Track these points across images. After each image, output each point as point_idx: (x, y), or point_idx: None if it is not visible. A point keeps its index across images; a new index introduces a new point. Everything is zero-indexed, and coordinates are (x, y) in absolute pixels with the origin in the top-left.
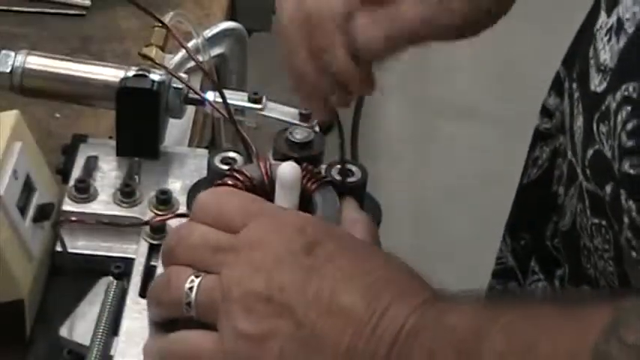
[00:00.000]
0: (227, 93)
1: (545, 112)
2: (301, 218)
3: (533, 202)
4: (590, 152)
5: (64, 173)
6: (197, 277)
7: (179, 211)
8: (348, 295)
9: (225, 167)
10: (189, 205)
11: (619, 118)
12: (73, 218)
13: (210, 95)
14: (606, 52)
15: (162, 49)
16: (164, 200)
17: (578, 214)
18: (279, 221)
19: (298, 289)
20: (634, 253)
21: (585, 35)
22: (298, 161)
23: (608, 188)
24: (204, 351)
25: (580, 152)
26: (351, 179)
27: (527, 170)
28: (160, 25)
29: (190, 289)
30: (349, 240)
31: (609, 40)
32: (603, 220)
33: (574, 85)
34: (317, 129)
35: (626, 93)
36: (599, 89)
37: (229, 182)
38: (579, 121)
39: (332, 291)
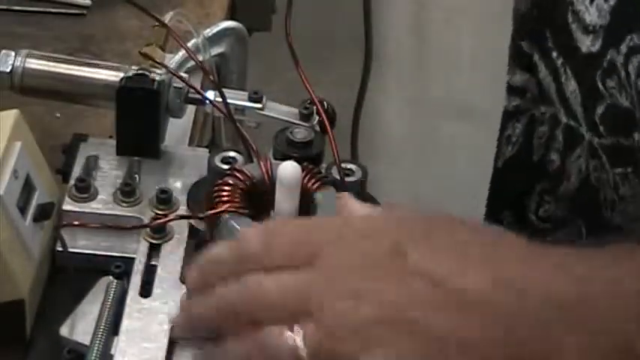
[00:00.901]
0: (227, 92)
1: (513, 90)
2: (365, 224)
3: (513, 178)
4: (601, 109)
5: (64, 173)
6: (292, 330)
7: (179, 211)
8: (467, 278)
9: (226, 167)
10: (189, 204)
11: (630, 67)
12: (76, 222)
13: (211, 94)
14: (591, 13)
15: (163, 48)
16: (164, 200)
17: (593, 172)
18: (346, 239)
19: (413, 299)
20: None
21: (546, 7)
22: (298, 161)
23: (637, 135)
24: None
25: (582, 113)
26: (351, 178)
27: (502, 151)
28: (160, 24)
29: (294, 346)
30: (422, 223)
31: (592, 1)
32: (629, 168)
33: (553, 54)
34: (317, 128)
35: (631, 44)
36: (594, 49)
37: (230, 181)
38: (571, 86)
39: (448, 280)
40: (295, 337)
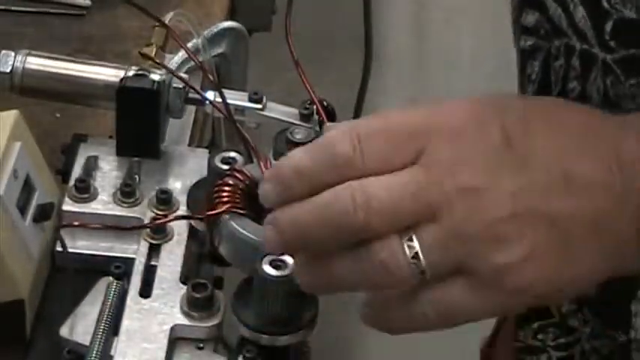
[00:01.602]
0: (227, 93)
1: (526, 30)
2: (464, 113)
3: None
4: (609, 26)
5: (64, 173)
6: (409, 239)
7: (179, 212)
8: (580, 166)
9: (226, 167)
10: (189, 205)
11: None
12: (76, 223)
13: (211, 95)
14: None
15: (163, 48)
16: (164, 200)
17: (610, 88)
18: (450, 130)
19: (533, 189)
20: None
21: None
22: None
23: None
24: (473, 309)
25: (593, 35)
26: None
27: (524, 90)
28: (160, 24)
29: (415, 256)
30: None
31: None
32: None
33: None
34: (317, 129)
35: None
36: None
37: (230, 182)
38: (580, 13)
39: (564, 170)
40: (415, 246)
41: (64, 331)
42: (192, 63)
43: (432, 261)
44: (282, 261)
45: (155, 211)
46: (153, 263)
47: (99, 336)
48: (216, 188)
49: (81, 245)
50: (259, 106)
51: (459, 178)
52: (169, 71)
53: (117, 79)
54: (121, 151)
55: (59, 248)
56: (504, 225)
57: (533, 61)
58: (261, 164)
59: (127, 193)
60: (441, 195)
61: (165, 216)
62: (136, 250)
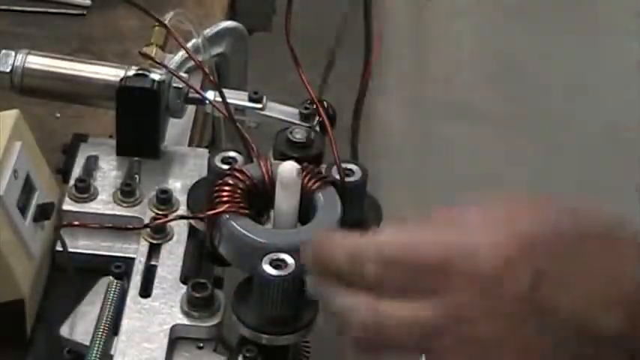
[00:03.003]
0: (227, 92)
1: None
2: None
3: None
4: None
5: (64, 173)
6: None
7: (179, 211)
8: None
9: (226, 167)
10: (189, 204)
11: None
12: (76, 223)
13: (211, 94)
14: None
15: (163, 48)
16: (164, 200)
17: None
18: (478, 270)
19: (558, 345)
20: None
21: None
22: (298, 161)
23: None
24: None
25: None
26: (351, 179)
27: None
28: (160, 24)
29: None
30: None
31: None
32: None
33: None
34: (317, 128)
35: None
36: None
37: (230, 182)
38: None
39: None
40: None
41: (64, 331)
42: (192, 63)
43: None
44: (282, 261)
45: (155, 210)
46: (153, 263)
47: (99, 336)
48: (216, 188)
49: (81, 245)
50: (259, 105)
51: (472, 329)
52: (169, 71)
53: (117, 79)
54: (121, 151)
55: (59, 248)
56: None
57: None
58: (261, 164)
59: (127, 192)
60: (449, 341)
61: (166, 216)
62: (136, 249)
